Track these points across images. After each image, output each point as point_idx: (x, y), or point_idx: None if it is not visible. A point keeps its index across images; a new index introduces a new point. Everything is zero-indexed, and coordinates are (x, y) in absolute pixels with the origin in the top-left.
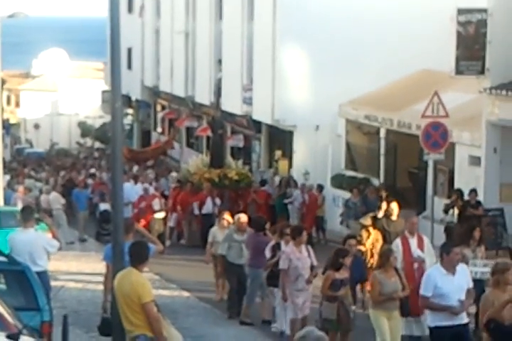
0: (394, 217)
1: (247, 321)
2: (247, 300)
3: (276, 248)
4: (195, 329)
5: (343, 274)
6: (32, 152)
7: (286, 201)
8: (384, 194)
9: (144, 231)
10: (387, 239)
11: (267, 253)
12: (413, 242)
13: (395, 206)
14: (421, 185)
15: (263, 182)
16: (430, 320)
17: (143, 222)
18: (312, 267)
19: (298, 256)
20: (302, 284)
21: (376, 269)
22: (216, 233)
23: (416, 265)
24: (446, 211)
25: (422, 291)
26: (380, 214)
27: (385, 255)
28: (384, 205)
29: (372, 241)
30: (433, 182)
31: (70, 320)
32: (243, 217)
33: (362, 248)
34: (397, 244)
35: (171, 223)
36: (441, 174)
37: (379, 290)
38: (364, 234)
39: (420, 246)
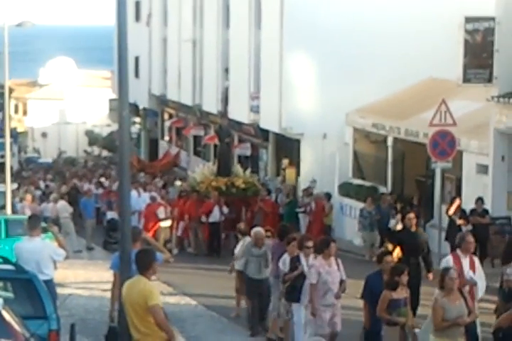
0: (413, 229)
1: (274, 338)
2: (274, 314)
3: (296, 261)
4: (203, 338)
5: (401, 294)
6: (43, 162)
7: (298, 210)
8: (399, 205)
9: (151, 240)
10: (405, 252)
11: (286, 266)
12: (466, 262)
13: (412, 217)
14: (428, 194)
15: (269, 191)
16: None
17: (151, 231)
18: (341, 281)
19: (327, 270)
20: (331, 299)
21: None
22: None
23: (467, 288)
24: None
25: None
26: (398, 227)
27: (442, 275)
28: (399, 217)
29: (397, 255)
30: (440, 190)
31: (77, 328)
32: (261, 231)
33: None
34: (449, 262)
35: (178, 232)
36: (449, 182)
37: (442, 316)
38: (390, 246)
39: (472, 267)
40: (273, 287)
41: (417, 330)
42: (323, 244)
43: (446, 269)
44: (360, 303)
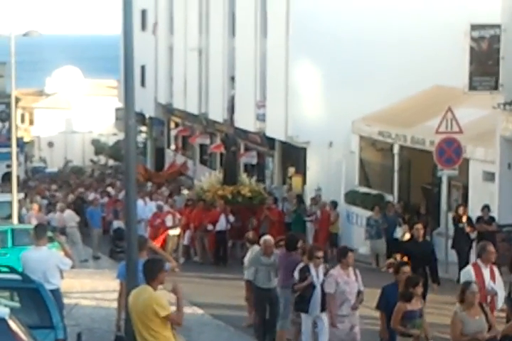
0: (420, 239)
1: None
2: (281, 325)
3: (306, 270)
4: None
5: (416, 305)
6: (50, 172)
7: (306, 219)
8: (406, 216)
9: (158, 249)
10: (412, 262)
11: (295, 276)
12: (486, 273)
13: (420, 228)
14: (435, 201)
15: (275, 200)
16: None
17: (160, 239)
18: (359, 292)
19: (345, 280)
20: (347, 310)
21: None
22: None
23: (489, 298)
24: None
25: None
26: (406, 237)
27: (463, 289)
28: (406, 227)
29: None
30: (447, 198)
31: (84, 338)
32: (270, 239)
33: None
34: (470, 274)
35: (184, 241)
36: (455, 190)
37: (460, 330)
38: (398, 256)
39: (492, 277)
40: (280, 297)
41: None
42: (340, 254)
43: (468, 283)
44: (371, 312)
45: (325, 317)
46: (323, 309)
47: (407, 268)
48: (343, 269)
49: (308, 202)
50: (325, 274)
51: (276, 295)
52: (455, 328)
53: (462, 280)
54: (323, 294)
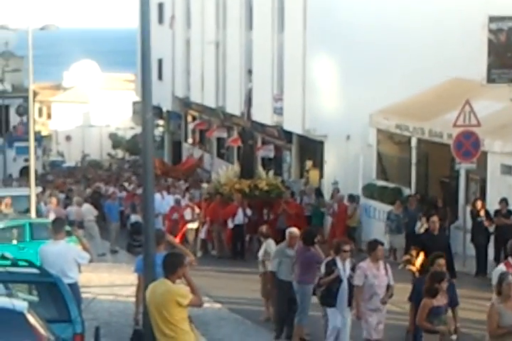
0: (435, 232)
1: None
2: (299, 319)
3: (332, 264)
4: (227, 340)
5: (441, 300)
6: (68, 166)
7: (325, 211)
8: (424, 208)
9: (175, 243)
10: (428, 256)
11: (322, 270)
12: None
13: (436, 220)
14: (453, 195)
15: (293, 193)
16: None
17: (179, 233)
18: (388, 286)
19: (375, 273)
20: (376, 304)
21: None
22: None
23: None
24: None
25: None
26: (422, 230)
27: (499, 281)
28: (424, 220)
29: (421, 261)
30: (465, 191)
31: (102, 331)
32: (295, 232)
33: (412, 268)
34: (502, 270)
35: (202, 234)
36: (473, 183)
37: (497, 322)
38: (414, 252)
39: None
40: (297, 292)
41: (454, 337)
42: (369, 247)
43: (504, 274)
44: (391, 307)
45: (348, 312)
46: (349, 304)
47: (442, 261)
48: (373, 262)
49: (326, 195)
50: (352, 268)
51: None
52: (492, 320)
53: (494, 279)
54: (350, 288)
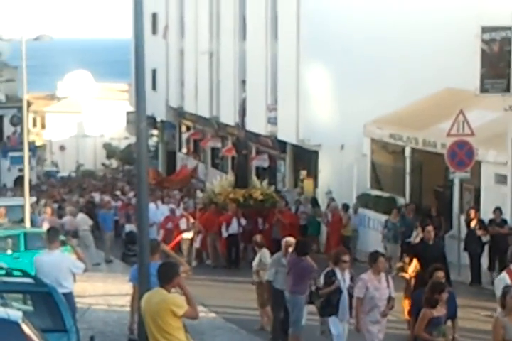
0: (431, 242)
1: None
2: (293, 330)
3: (331, 275)
4: None
5: (440, 311)
6: (63, 176)
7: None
8: (420, 217)
9: (170, 252)
10: (423, 265)
11: (321, 281)
12: None
13: (431, 230)
14: (447, 204)
15: (287, 203)
16: None
17: (173, 243)
18: (389, 299)
19: (376, 286)
20: (376, 316)
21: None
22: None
23: None
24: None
25: None
26: (417, 239)
27: (503, 294)
28: (419, 230)
29: (414, 268)
30: (459, 200)
31: None
32: (291, 241)
33: (405, 275)
34: (505, 280)
35: (196, 244)
36: (467, 192)
37: (502, 336)
38: (407, 259)
39: None
40: (289, 302)
41: None
42: (371, 259)
43: (508, 287)
44: (390, 316)
45: (345, 324)
46: (349, 314)
47: (441, 274)
48: (375, 274)
49: (322, 205)
50: (351, 279)
51: None
52: (496, 334)
53: (497, 287)
54: (350, 299)
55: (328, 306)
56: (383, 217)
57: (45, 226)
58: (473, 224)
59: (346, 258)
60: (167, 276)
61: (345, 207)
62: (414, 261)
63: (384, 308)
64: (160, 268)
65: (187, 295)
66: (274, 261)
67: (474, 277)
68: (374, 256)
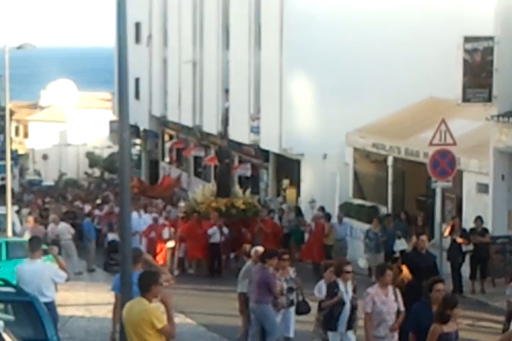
0: (423, 251)
1: None
2: (270, 339)
3: (334, 286)
4: None
5: (451, 327)
6: (46, 185)
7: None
8: (414, 227)
9: (153, 261)
10: (415, 275)
11: (322, 292)
12: None
13: (425, 239)
14: (429, 213)
15: (270, 212)
16: None
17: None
18: (398, 312)
19: (383, 300)
20: (385, 331)
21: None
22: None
23: None
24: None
25: None
26: (409, 248)
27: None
28: (414, 239)
29: (405, 276)
30: (441, 209)
31: None
32: (260, 250)
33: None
34: None
35: (180, 253)
36: (449, 201)
37: None
38: (396, 269)
39: None
40: (255, 313)
41: None
42: (378, 272)
43: None
44: None
45: (352, 335)
46: (349, 326)
47: (440, 286)
48: (382, 288)
49: (305, 213)
50: (354, 290)
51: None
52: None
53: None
54: (352, 311)
55: (331, 319)
56: (366, 226)
57: (27, 236)
58: (446, 233)
59: (349, 268)
60: (146, 285)
61: (328, 216)
62: (405, 270)
63: (392, 322)
64: (139, 277)
65: (168, 312)
66: (245, 272)
67: (456, 286)
68: (381, 268)
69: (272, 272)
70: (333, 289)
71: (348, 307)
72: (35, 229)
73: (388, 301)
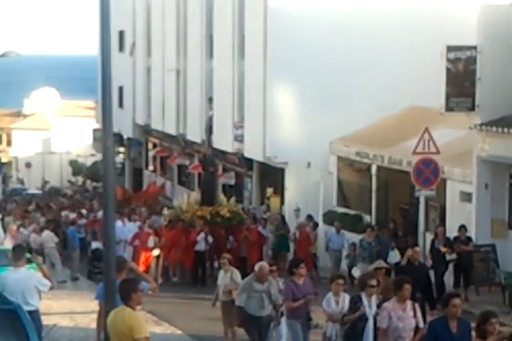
0: (416, 263)
1: None
2: None
3: (357, 300)
4: None
5: None
6: (31, 193)
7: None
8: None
9: (137, 270)
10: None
11: (330, 306)
12: None
13: (418, 250)
14: (412, 221)
15: (255, 220)
16: None
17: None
18: (417, 329)
19: (400, 315)
20: None
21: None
22: (220, 275)
23: None
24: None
25: None
26: (404, 261)
27: None
28: (409, 252)
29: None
30: (424, 218)
31: None
32: (266, 266)
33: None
34: None
35: (164, 261)
36: (433, 210)
37: None
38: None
39: None
40: (289, 328)
41: None
42: (395, 286)
43: None
44: None
45: None
46: None
47: (457, 301)
48: (399, 303)
49: (289, 222)
50: (378, 306)
51: (268, 323)
52: None
53: None
54: (376, 327)
55: (353, 334)
56: (349, 235)
57: (9, 244)
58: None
59: (374, 282)
60: (125, 293)
61: (316, 225)
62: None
63: (409, 340)
64: (119, 285)
65: (139, 272)
66: (245, 286)
67: (439, 295)
68: (399, 282)
69: (297, 282)
70: (355, 303)
71: (371, 322)
72: (18, 236)
73: (406, 317)
